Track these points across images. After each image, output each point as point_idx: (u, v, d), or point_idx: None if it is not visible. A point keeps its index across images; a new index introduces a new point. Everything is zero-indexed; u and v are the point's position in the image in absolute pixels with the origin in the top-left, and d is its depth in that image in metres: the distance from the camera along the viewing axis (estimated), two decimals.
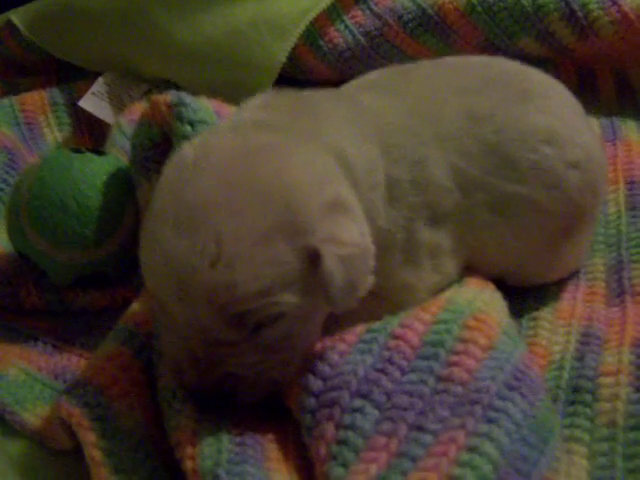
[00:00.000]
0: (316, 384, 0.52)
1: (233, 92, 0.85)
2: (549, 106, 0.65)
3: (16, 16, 1.08)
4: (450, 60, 0.70)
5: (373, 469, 0.46)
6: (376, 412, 0.49)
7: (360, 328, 0.55)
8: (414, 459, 0.45)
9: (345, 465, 0.47)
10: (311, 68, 0.99)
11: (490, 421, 0.47)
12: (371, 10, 0.98)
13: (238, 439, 0.51)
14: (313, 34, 0.97)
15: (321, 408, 0.50)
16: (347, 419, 0.49)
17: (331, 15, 0.98)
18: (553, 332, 0.64)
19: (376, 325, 0.55)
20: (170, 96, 0.65)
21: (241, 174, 0.50)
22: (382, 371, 0.51)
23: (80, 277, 0.72)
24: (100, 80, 1.00)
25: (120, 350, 0.59)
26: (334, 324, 0.56)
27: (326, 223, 0.50)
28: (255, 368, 0.51)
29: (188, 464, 0.49)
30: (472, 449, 0.45)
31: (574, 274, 0.70)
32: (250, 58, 0.94)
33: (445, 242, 0.61)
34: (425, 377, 0.51)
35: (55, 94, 1.04)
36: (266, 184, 0.50)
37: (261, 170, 0.50)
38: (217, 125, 0.62)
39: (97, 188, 0.69)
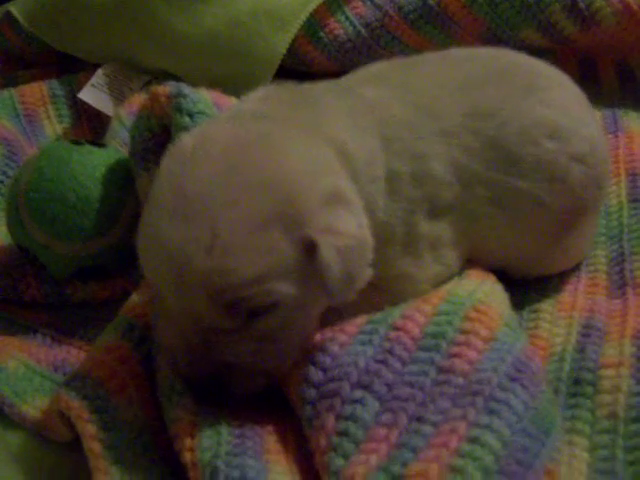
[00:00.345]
0: (316, 375, 0.52)
1: (233, 83, 0.85)
2: (553, 99, 0.64)
3: (15, 8, 1.07)
4: (455, 53, 0.69)
5: (373, 460, 0.46)
6: (377, 403, 0.49)
7: (361, 319, 0.55)
8: (415, 450, 0.45)
9: (345, 456, 0.47)
10: (311, 59, 0.99)
11: (491, 412, 0.47)
12: (372, 1, 0.97)
13: (237, 431, 0.50)
14: (313, 25, 0.97)
15: (321, 399, 0.50)
16: (347, 410, 0.49)
17: (331, 6, 0.98)
18: (554, 324, 0.64)
19: (377, 316, 0.55)
20: (169, 87, 0.65)
21: (239, 164, 0.50)
22: (383, 362, 0.51)
23: (80, 269, 0.71)
24: (100, 72, 0.99)
25: (119, 342, 0.58)
26: (334, 315, 0.55)
27: (323, 214, 0.50)
28: (250, 358, 0.51)
29: (187, 456, 0.49)
30: (473, 440, 0.45)
31: (575, 266, 0.70)
32: (250, 49, 0.94)
33: (445, 234, 0.61)
34: (426, 368, 0.51)
35: (55, 86, 1.04)
36: (264, 174, 0.50)
37: (259, 160, 0.50)
38: (216, 116, 0.61)
39: (96, 180, 0.69)
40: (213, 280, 0.48)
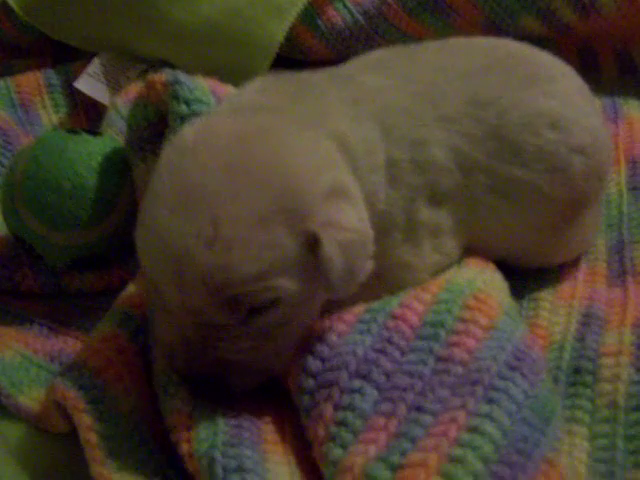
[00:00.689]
0: (315, 364, 0.51)
1: (230, 72, 0.85)
2: (555, 90, 0.64)
3: None
4: (455, 41, 0.69)
5: (372, 450, 0.45)
6: (375, 393, 0.49)
7: (359, 308, 0.55)
8: (414, 440, 0.45)
9: (344, 446, 0.47)
10: (309, 48, 0.98)
11: (491, 401, 0.47)
12: None
13: (234, 421, 0.50)
14: (311, 13, 0.96)
15: (320, 389, 0.50)
16: (346, 400, 0.49)
17: None
18: (554, 313, 0.64)
19: (375, 305, 0.55)
20: (166, 75, 0.64)
21: (240, 157, 0.50)
22: (381, 351, 0.51)
23: (76, 259, 0.71)
24: (96, 61, 0.99)
25: (116, 332, 0.58)
26: (333, 303, 0.55)
27: (325, 208, 0.50)
28: (248, 355, 0.51)
29: (184, 447, 0.49)
30: (473, 429, 0.45)
31: None
32: (248, 38, 0.93)
33: (445, 222, 0.60)
34: (425, 357, 0.50)
35: (51, 75, 1.03)
36: (266, 168, 0.49)
37: (261, 154, 0.50)
38: (217, 108, 0.61)
39: (92, 169, 0.69)
40: (214, 275, 0.47)
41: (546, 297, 0.65)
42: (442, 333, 0.52)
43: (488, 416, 0.45)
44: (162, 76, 0.64)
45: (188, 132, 0.52)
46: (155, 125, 0.66)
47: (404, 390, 0.48)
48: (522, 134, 0.61)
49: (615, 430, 0.52)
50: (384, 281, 0.58)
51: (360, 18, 0.96)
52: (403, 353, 0.51)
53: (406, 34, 0.96)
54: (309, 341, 0.53)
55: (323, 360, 0.51)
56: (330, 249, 0.49)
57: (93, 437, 0.51)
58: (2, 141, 0.88)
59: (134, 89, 0.87)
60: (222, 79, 0.69)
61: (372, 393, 0.49)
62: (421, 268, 0.60)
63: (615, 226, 0.73)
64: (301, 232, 0.49)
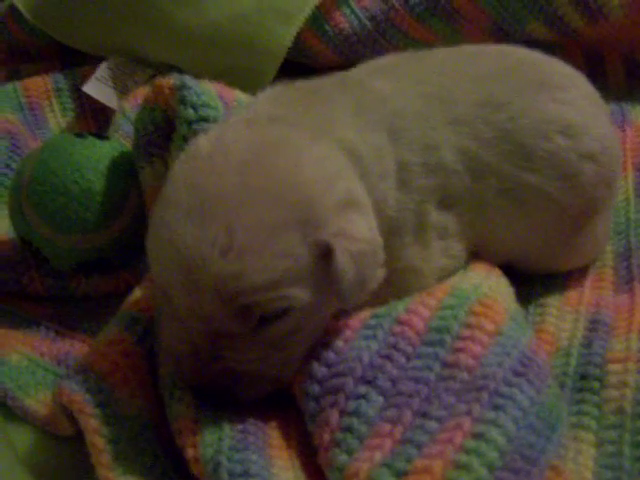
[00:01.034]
0: (320, 370, 0.51)
1: (238, 77, 0.85)
2: (567, 97, 0.64)
3: (19, 1, 1.07)
4: (467, 48, 0.69)
5: (377, 456, 0.45)
6: (381, 399, 0.49)
7: (365, 314, 0.55)
8: (419, 446, 0.45)
9: (349, 452, 0.46)
10: (317, 53, 0.98)
11: (496, 407, 0.47)
12: None
13: (240, 426, 0.50)
14: (319, 18, 0.96)
15: (325, 395, 0.50)
16: (351, 406, 0.48)
17: None
18: (561, 319, 0.63)
19: (381, 310, 0.55)
20: (173, 79, 0.65)
21: (256, 167, 0.50)
22: (387, 357, 0.51)
23: (83, 262, 0.71)
24: (104, 65, 0.99)
25: (122, 336, 0.58)
26: (340, 310, 0.55)
27: (338, 219, 0.50)
28: (256, 365, 0.51)
29: (189, 452, 0.49)
30: (478, 436, 0.45)
31: None
32: (255, 43, 0.93)
33: (452, 225, 0.61)
34: (430, 363, 0.50)
35: (59, 79, 1.03)
36: (280, 179, 0.50)
37: (275, 165, 0.50)
38: (230, 118, 0.61)
39: (100, 172, 0.69)
40: (227, 283, 0.47)
41: (553, 303, 0.65)
42: (448, 339, 0.52)
43: (493, 422, 0.45)
44: (169, 80, 0.65)
45: (203, 141, 0.53)
46: (162, 129, 0.66)
47: (410, 396, 0.48)
48: (533, 139, 0.61)
49: (622, 437, 0.52)
50: (391, 286, 0.58)
51: (367, 23, 0.96)
52: (409, 359, 0.51)
53: (413, 39, 0.96)
54: (315, 347, 0.53)
55: (329, 366, 0.51)
56: (343, 259, 0.49)
57: (99, 441, 0.51)
58: (10, 144, 0.88)
59: (142, 93, 0.87)
60: (230, 84, 0.70)
61: (378, 399, 0.49)
62: (428, 273, 0.60)
63: (622, 233, 0.72)
64: (314, 242, 0.49)
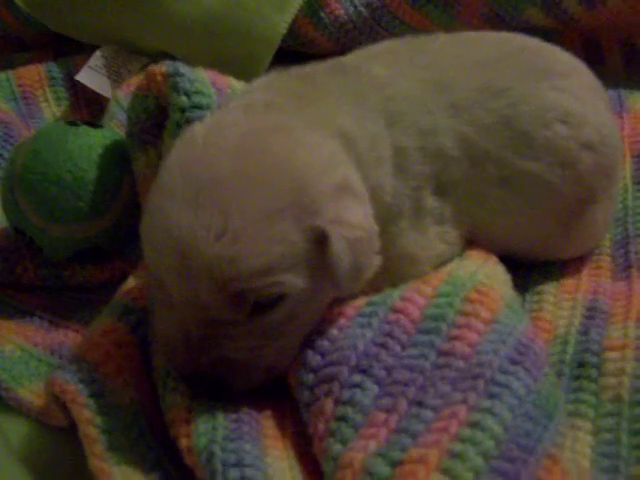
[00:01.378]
0: (315, 359, 0.51)
1: (233, 64, 0.85)
2: (567, 85, 0.64)
3: None
4: (467, 34, 0.69)
5: (372, 445, 0.45)
6: (376, 387, 0.48)
7: (360, 301, 0.54)
8: (414, 435, 0.45)
9: (344, 442, 0.46)
10: (312, 40, 0.98)
11: (492, 396, 0.46)
12: None
13: (234, 416, 0.50)
14: (314, 5, 0.96)
15: (320, 384, 0.50)
16: (346, 395, 0.48)
17: None
18: (558, 306, 0.63)
19: (376, 298, 0.54)
20: (166, 66, 0.64)
21: (251, 153, 0.50)
22: (382, 345, 0.51)
23: (77, 252, 0.71)
24: (97, 54, 0.98)
25: (115, 325, 0.58)
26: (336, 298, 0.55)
27: (334, 205, 0.50)
28: (251, 353, 0.51)
29: (183, 442, 0.48)
30: (474, 424, 0.44)
31: None
32: (250, 30, 0.93)
33: (448, 212, 0.61)
34: (426, 351, 0.50)
35: (52, 68, 1.03)
36: (276, 165, 0.50)
37: (271, 151, 0.50)
38: (226, 105, 0.61)
39: (93, 161, 0.68)
40: (221, 268, 0.47)
41: (550, 290, 0.65)
42: (443, 327, 0.51)
43: (489, 411, 0.45)
44: (162, 67, 0.64)
45: (198, 128, 0.53)
46: (155, 117, 0.66)
47: (405, 385, 0.48)
48: (533, 126, 0.61)
49: (619, 424, 0.52)
50: (387, 273, 0.57)
51: (363, 10, 0.96)
52: (404, 347, 0.51)
53: (409, 26, 0.96)
54: (309, 335, 0.53)
55: (323, 355, 0.51)
56: (338, 246, 0.49)
57: (92, 431, 0.51)
58: (3, 134, 0.88)
59: (136, 82, 0.86)
60: (225, 71, 0.69)
61: (372, 388, 0.48)
62: (425, 260, 0.60)
63: (620, 220, 0.72)
64: (309, 228, 0.49)
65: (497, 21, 0.94)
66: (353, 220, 0.50)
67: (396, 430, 0.45)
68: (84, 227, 0.69)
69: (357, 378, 0.49)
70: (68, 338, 0.66)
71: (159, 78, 0.64)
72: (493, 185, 0.61)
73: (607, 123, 0.66)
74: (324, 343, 0.51)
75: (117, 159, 0.70)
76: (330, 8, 0.96)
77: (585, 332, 0.59)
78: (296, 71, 0.61)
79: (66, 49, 1.07)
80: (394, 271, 0.58)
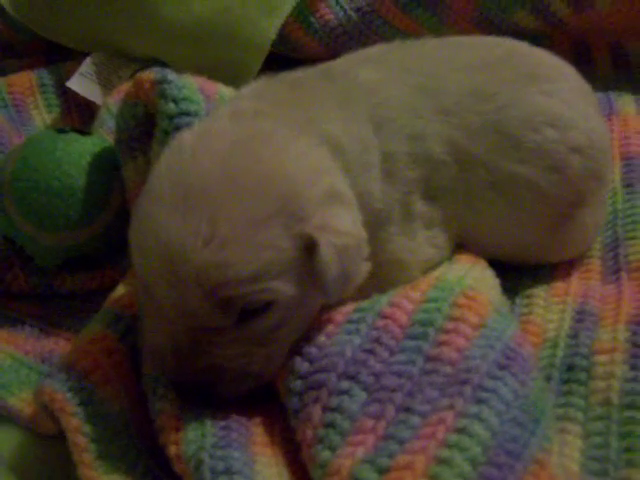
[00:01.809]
0: (303, 366, 0.51)
1: (223, 70, 0.85)
2: (555, 89, 0.64)
3: None
4: (457, 39, 0.69)
5: (360, 452, 0.45)
6: (363, 394, 0.48)
7: (348, 307, 0.54)
8: (401, 441, 0.45)
9: (332, 448, 0.46)
10: (302, 45, 0.98)
11: (480, 401, 0.46)
12: None
13: (222, 423, 0.50)
14: (303, 10, 0.96)
15: (308, 390, 0.50)
16: (334, 401, 0.48)
17: None
18: (547, 310, 0.63)
19: (364, 304, 0.54)
20: (154, 74, 0.64)
21: (240, 160, 0.50)
22: (370, 352, 0.51)
23: (67, 260, 0.71)
24: (88, 61, 0.98)
25: (105, 333, 0.58)
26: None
27: (322, 212, 0.50)
28: (239, 361, 0.51)
29: (172, 449, 0.49)
30: (461, 430, 0.44)
31: None
32: (239, 35, 0.93)
33: (436, 215, 0.61)
34: (414, 357, 0.50)
35: (43, 75, 1.03)
36: (264, 172, 0.50)
37: (260, 158, 0.50)
38: (215, 112, 0.61)
39: (82, 168, 0.68)
40: (209, 274, 0.47)
41: (540, 294, 0.65)
42: (431, 332, 0.51)
43: (476, 417, 0.45)
44: (150, 74, 0.64)
45: (187, 135, 0.53)
46: (144, 124, 0.66)
47: (393, 391, 0.48)
48: (522, 130, 0.61)
49: (609, 428, 0.52)
50: (376, 279, 0.57)
51: (353, 15, 0.96)
52: (392, 353, 0.51)
53: (399, 30, 0.96)
54: (297, 342, 0.53)
55: (311, 361, 0.51)
56: (326, 252, 0.49)
57: (81, 440, 0.51)
58: None
59: (126, 89, 0.86)
60: (215, 77, 0.69)
61: (360, 394, 0.48)
62: (414, 265, 0.60)
63: (610, 223, 0.72)
64: (298, 235, 0.49)
65: (486, 24, 0.94)
66: (341, 227, 0.50)
67: (384, 437, 0.45)
68: (74, 234, 0.68)
69: (345, 385, 0.49)
70: (59, 346, 0.66)
71: (147, 85, 0.64)
72: (482, 189, 0.61)
73: (596, 127, 0.66)
74: (312, 350, 0.51)
75: (106, 166, 0.69)
76: (320, 13, 0.97)
77: (575, 335, 0.59)
78: (285, 77, 0.61)
79: (57, 56, 1.07)
80: (383, 277, 0.58)
